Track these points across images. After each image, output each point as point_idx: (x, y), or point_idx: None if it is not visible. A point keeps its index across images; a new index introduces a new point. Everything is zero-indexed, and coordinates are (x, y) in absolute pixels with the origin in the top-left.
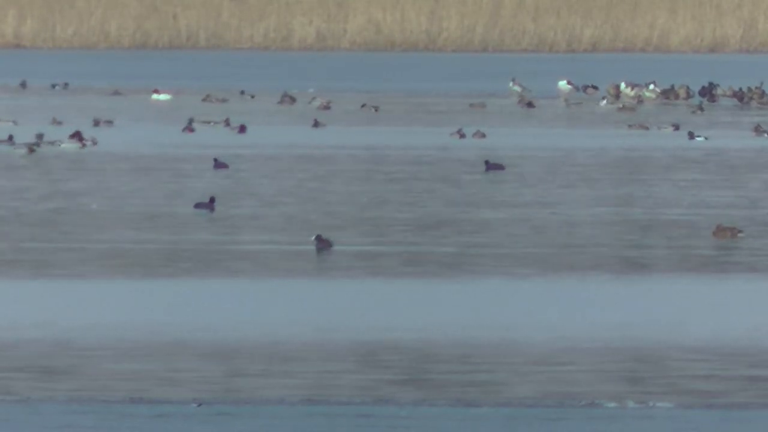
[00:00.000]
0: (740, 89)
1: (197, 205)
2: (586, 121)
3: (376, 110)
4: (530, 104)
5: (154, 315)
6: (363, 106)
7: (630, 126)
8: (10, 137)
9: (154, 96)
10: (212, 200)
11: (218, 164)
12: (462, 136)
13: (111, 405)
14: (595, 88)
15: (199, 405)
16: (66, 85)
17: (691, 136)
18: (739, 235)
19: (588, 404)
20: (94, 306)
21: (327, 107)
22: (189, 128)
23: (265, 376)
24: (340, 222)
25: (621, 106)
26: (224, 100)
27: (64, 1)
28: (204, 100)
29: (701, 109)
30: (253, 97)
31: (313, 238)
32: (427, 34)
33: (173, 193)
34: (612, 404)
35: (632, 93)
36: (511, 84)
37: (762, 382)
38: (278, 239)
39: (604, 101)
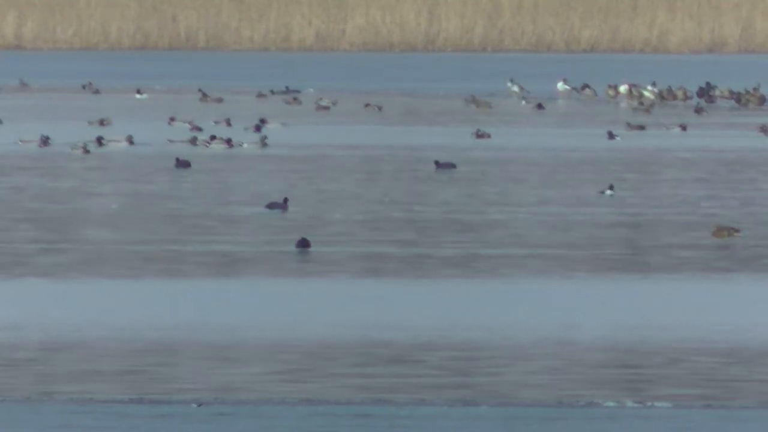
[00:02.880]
0: (735, 92)
1: (270, 206)
2: (590, 121)
3: (380, 109)
4: (540, 105)
5: (155, 315)
6: (367, 105)
7: (630, 126)
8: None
9: (138, 96)
10: (285, 200)
11: (180, 163)
12: (480, 136)
13: (111, 405)
14: (591, 88)
15: (199, 405)
16: (90, 84)
17: (611, 136)
18: (736, 234)
19: (587, 404)
20: (95, 306)
21: (326, 107)
22: (196, 127)
23: (265, 376)
24: (338, 222)
25: (635, 106)
26: (220, 100)
27: (64, 2)
28: (201, 99)
29: (702, 109)
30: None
31: (298, 240)
32: (425, 34)
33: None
34: (611, 404)
35: (631, 94)
36: (509, 84)
37: (761, 382)
38: (277, 239)
39: (623, 101)
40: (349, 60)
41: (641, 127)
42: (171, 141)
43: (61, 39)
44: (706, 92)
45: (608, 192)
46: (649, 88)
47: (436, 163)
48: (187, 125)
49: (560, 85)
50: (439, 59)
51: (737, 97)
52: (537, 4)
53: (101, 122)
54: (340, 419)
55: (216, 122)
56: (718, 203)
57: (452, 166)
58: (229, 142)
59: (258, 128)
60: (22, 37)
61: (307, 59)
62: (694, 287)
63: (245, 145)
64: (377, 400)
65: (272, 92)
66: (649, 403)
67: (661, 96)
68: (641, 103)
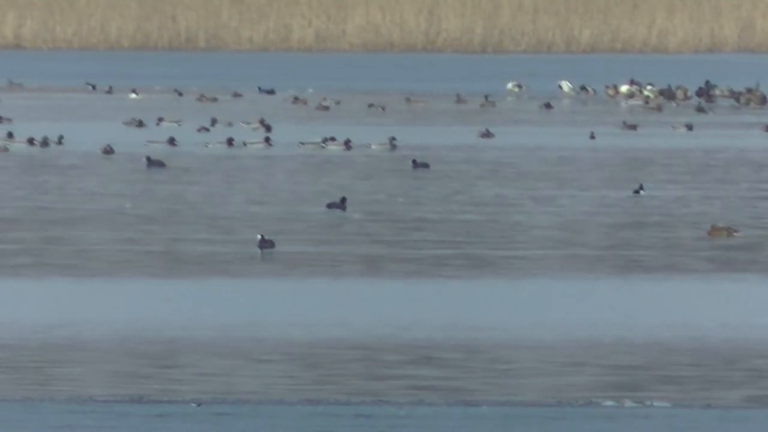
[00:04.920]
0: (735, 91)
1: (329, 205)
2: (592, 120)
3: (383, 110)
4: (548, 105)
5: (155, 315)
6: (370, 105)
7: (625, 125)
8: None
9: (132, 95)
10: (344, 200)
11: (152, 162)
12: (486, 135)
13: (111, 405)
14: (587, 89)
15: (199, 405)
16: (93, 86)
17: (592, 136)
18: (736, 234)
19: (586, 403)
20: (96, 306)
21: (327, 108)
22: (204, 127)
23: (265, 376)
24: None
25: (645, 106)
26: (214, 100)
27: (64, 2)
28: (198, 100)
29: (703, 109)
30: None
31: (259, 237)
32: (425, 34)
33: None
34: (610, 403)
35: (630, 93)
36: (509, 84)
37: (760, 382)
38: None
39: (628, 101)
40: (349, 60)
41: (633, 127)
42: (303, 143)
43: (61, 39)
44: (705, 92)
45: (641, 192)
46: (649, 87)
47: (414, 162)
48: (175, 125)
49: (564, 85)
50: (439, 59)
51: (737, 97)
52: (537, 4)
53: (139, 123)
54: (340, 419)
55: (242, 123)
56: (722, 203)
57: (426, 165)
58: (347, 144)
59: (268, 128)
60: (22, 37)
61: (307, 59)
62: (690, 287)
63: (373, 147)
64: (377, 400)
65: (261, 91)
66: (648, 403)
67: (660, 96)
68: (646, 102)
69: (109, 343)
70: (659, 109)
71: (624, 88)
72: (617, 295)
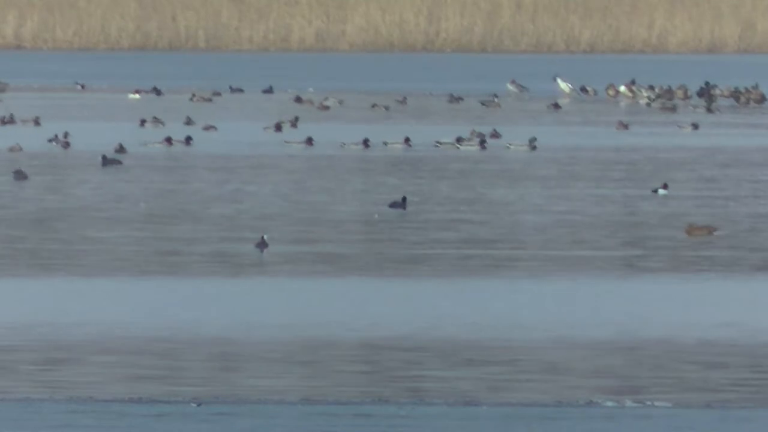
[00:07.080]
0: (736, 90)
1: (392, 205)
2: (598, 121)
3: (386, 109)
4: (556, 105)
5: (155, 314)
6: (373, 106)
7: (620, 125)
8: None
9: (131, 96)
10: (404, 199)
11: (107, 161)
12: (494, 136)
13: (111, 405)
14: (593, 89)
15: (199, 405)
16: (82, 86)
17: (597, 136)
18: (716, 233)
19: (586, 403)
20: (96, 305)
21: (326, 108)
22: (210, 127)
23: (264, 376)
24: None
25: (661, 105)
26: (208, 99)
27: (64, 2)
28: (191, 99)
29: (710, 109)
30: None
31: (265, 237)
32: (425, 34)
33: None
34: (610, 403)
35: (630, 93)
36: (509, 85)
37: (759, 381)
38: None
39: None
40: (349, 60)
41: (626, 126)
42: (439, 143)
43: (61, 39)
44: (706, 91)
45: (661, 191)
46: (647, 87)
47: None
48: (161, 125)
49: (563, 85)
50: (439, 59)
51: (737, 96)
52: (536, 4)
53: (156, 121)
54: (340, 419)
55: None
56: (729, 203)
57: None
58: (482, 144)
59: (278, 127)
60: (22, 37)
61: (307, 59)
62: (688, 287)
63: (511, 147)
64: (377, 399)
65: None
66: (648, 403)
67: (661, 96)
68: (647, 103)
69: (109, 342)
70: (674, 109)
71: (622, 89)
72: (617, 294)
